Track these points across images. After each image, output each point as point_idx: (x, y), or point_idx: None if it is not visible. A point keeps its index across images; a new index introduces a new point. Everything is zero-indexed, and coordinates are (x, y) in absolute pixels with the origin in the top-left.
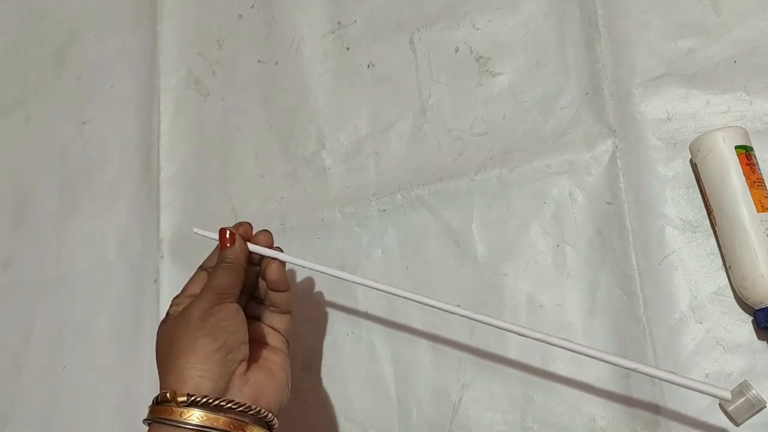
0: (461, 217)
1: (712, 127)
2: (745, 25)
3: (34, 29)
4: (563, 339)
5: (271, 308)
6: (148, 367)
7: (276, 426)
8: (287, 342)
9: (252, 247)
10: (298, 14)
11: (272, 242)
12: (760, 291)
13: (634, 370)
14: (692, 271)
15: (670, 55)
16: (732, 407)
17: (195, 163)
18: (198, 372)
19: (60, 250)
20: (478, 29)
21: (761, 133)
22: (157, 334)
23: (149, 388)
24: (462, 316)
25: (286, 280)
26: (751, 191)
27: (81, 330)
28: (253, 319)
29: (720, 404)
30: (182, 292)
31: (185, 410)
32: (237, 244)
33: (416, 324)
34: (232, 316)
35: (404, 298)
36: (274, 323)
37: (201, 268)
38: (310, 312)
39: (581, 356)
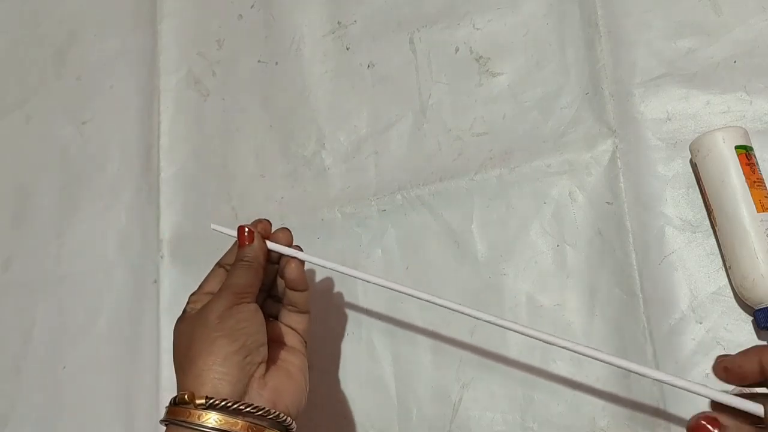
0: (461, 217)
1: (712, 127)
2: (745, 25)
3: (34, 29)
4: (567, 340)
5: (289, 307)
6: (148, 366)
7: (294, 429)
8: (305, 342)
9: (271, 245)
10: (298, 14)
11: (291, 240)
12: (760, 291)
13: (663, 381)
14: (692, 271)
15: (670, 55)
16: None
17: (195, 163)
18: (216, 374)
19: (60, 250)
20: (478, 29)
21: (761, 133)
22: (174, 333)
23: (149, 387)
24: (478, 318)
25: (305, 280)
26: (751, 191)
27: (81, 330)
28: (270, 317)
29: None
30: (199, 288)
31: (203, 413)
32: (256, 242)
33: (416, 324)
34: (251, 317)
35: (433, 303)
36: (292, 323)
37: (219, 264)
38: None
39: (582, 356)
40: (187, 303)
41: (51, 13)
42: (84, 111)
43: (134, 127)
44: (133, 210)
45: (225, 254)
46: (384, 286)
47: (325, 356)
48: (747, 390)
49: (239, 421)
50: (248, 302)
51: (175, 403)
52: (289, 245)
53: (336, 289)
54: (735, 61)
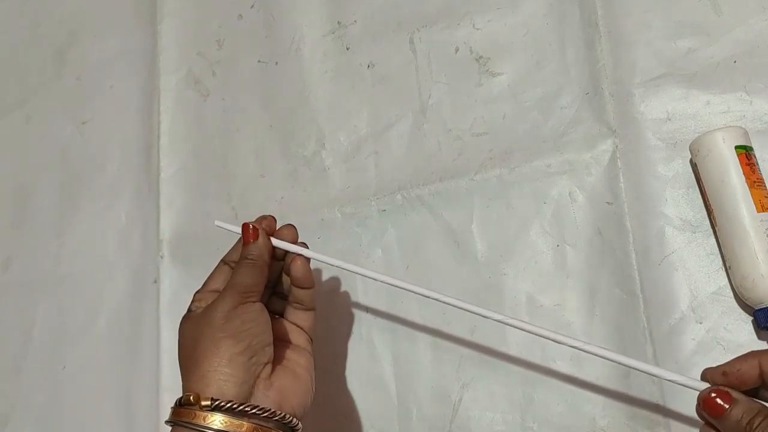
0: (461, 217)
1: (712, 127)
2: (745, 25)
3: (34, 29)
4: (577, 340)
5: (295, 305)
6: (148, 366)
7: (300, 430)
8: (311, 340)
9: (276, 242)
10: (298, 14)
11: (297, 237)
12: (760, 291)
13: (683, 385)
14: (692, 271)
15: (670, 55)
16: None
17: (195, 163)
18: (222, 376)
19: (60, 250)
20: (478, 29)
21: (761, 133)
22: (179, 332)
23: (149, 387)
24: (495, 320)
25: (311, 277)
26: (751, 191)
27: (81, 330)
28: (275, 314)
29: None
30: (204, 286)
31: (208, 414)
32: (260, 239)
33: (416, 324)
34: (256, 317)
35: (448, 304)
36: (297, 320)
37: (223, 261)
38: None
39: (582, 356)
40: (192, 301)
41: (51, 13)
42: (84, 111)
43: (134, 127)
44: (133, 210)
45: (229, 251)
46: (391, 284)
47: (325, 355)
48: None
49: (244, 422)
50: (253, 301)
51: (181, 404)
52: (295, 242)
53: (336, 287)
54: (735, 61)
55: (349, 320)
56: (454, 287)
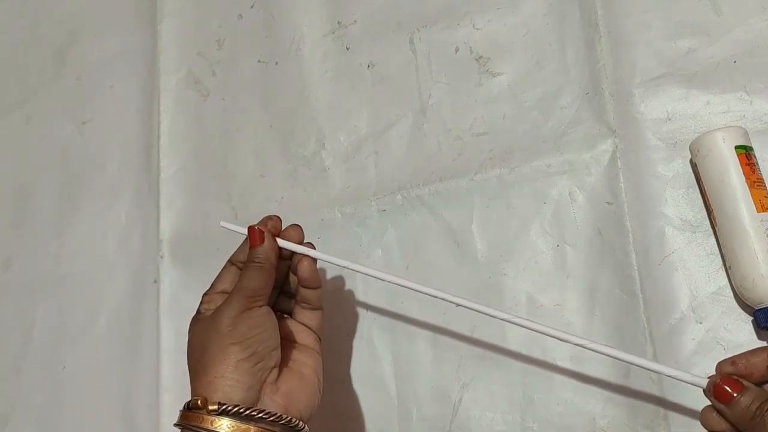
0: (461, 217)
1: (712, 127)
2: (745, 25)
3: (34, 29)
4: (585, 339)
5: (302, 304)
6: (148, 367)
7: None
8: (319, 339)
9: (282, 243)
10: (298, 14)
11: (303, 237)
12: (760, 291)
13: (688, 382)
14: (692, 271)
15: (670, 55)
16: None
17: (195, 163)
18: (229, 381)
19: (60, 250)
20: (478, 29)
21: (761, 133)
22: (189, 334)
23: (149, 387)
24: (497, 317)
25: (318, 277)
26: (751, 191)
27: (81, 330)
28: (284, 313)
29: None
30: (212, 288)
31: (215, 419)
32: (267, 242)
33: (416, 324)
34: (263, 322)
35: (457, 305)
36: (305, 320)
37: (230, 261)
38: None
39: (581, 356)
40: (201, 303)
41: (51, 13)
42: (84, 111)
43: (134, 127)
44: (133, 210)
45: (236, 251)
46: (400, 285)
47: (325, 355)
48: None
49: (251, 426)
50: (260, 305)
51: (189, 408)
52: (301, 243)
53: (336, 287)
54: (735, 61)
55: (349, 320)
56: (454, 287)
